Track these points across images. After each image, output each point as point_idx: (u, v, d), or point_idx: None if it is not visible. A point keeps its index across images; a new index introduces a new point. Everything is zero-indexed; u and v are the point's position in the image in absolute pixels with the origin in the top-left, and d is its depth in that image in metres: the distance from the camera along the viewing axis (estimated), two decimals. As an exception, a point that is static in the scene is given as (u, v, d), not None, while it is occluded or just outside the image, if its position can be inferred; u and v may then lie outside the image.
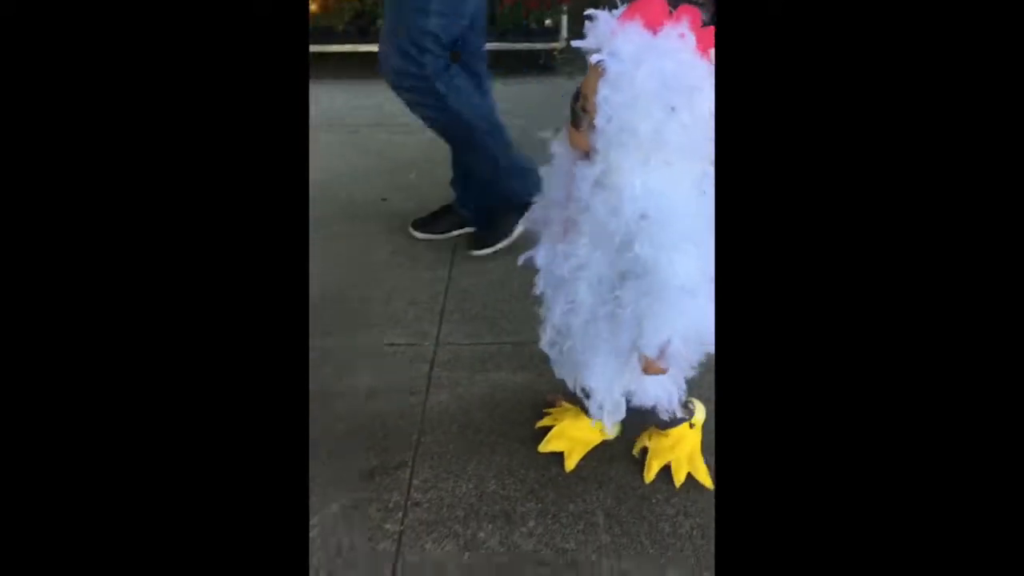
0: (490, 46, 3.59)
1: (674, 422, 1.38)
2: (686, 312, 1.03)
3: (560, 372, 1.33)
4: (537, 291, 1.28)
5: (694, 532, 1.31)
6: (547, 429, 1.49)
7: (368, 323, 1.88)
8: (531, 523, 1.33)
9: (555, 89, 3.38)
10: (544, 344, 1.31)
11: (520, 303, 1.89)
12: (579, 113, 1.07)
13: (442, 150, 2.24)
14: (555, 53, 3.64)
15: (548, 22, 3.56)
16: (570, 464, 1.43)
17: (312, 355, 1.39)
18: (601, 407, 1.29)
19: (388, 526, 1.34)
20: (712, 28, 1.02)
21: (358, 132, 3.23)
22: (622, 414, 1.31)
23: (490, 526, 1.33)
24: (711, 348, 1.07)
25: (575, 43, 1.09)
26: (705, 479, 1.38)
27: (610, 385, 1.25)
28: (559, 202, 1.19)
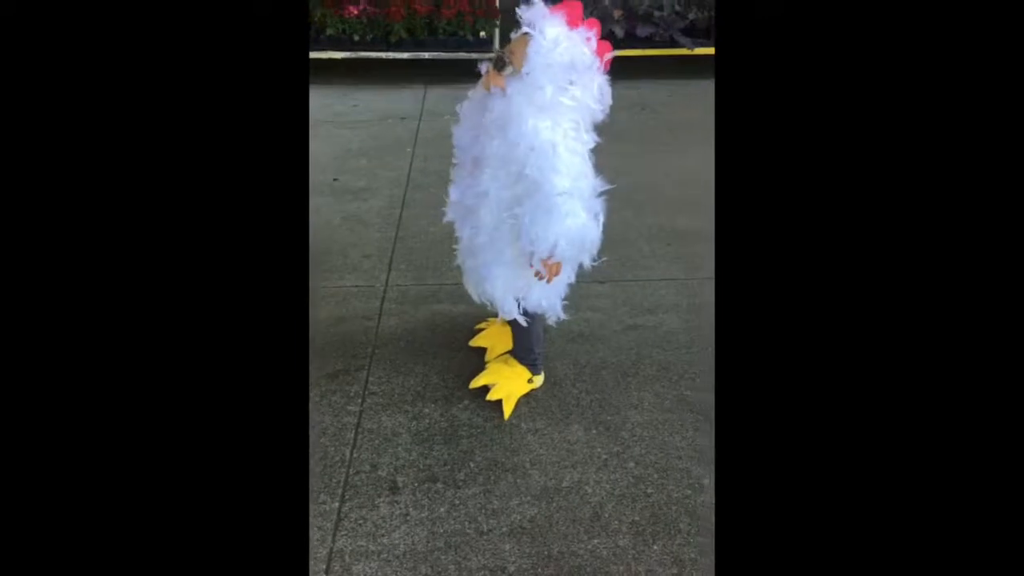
0: (431, 55, 3.97)
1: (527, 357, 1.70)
2: (567, 217, 1.39)
3: (467, 285, 1.67)
4: (445, 219, 1.61)
5: (592, 402, 1.68)
6: (478, 350, 1.83)
7: (330, 271, 2.20)
8: (466, 402, 1.68)
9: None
10: (458, 262, 1.65)
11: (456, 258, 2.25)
12: (506, 60, 1.44)
13: (381, 139, 2.59)
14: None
15: (483, 34, 3.96)
16: (490, 356, 1.78)
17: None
18: (501, 308, 1.63)
19: (350, 407, 1.66)
20: (605, 44, 1.43)
21: (315, 128, 3.54)
22: (516, 315, 1.62)
23: (433, 405, 1.67)
24: (592, 254, 1.45)
25: (519, 10, 1.45)
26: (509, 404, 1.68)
27: (505, 292, 1.58)
28: (467, 145, 1.54)
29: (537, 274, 1.47)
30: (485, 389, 1.69)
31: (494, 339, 1.83)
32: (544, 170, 1.38)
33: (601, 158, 1.43)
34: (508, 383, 1.68)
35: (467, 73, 4.14)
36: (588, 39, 1.40)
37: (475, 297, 1.67)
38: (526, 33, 1.42)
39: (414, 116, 3.52)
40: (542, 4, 1.45)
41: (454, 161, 1.63)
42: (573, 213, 1.38)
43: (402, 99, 3.72)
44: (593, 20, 1.44)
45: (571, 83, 1.40)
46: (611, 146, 1.51)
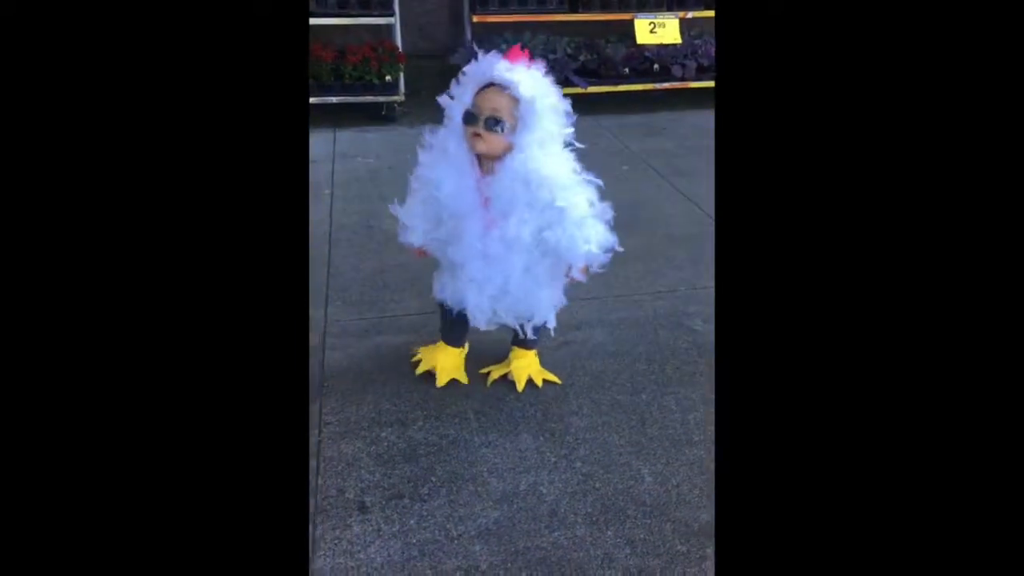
0: (338, 99, 4.07)
1: (534, 343, 1.92)
2: (593, 227, 1.64)
3: (487, 320, 1.79)
4: (472, 276, 1.72)
5: (536, 412, 1.82)
6: (425, 375, 1.95)
7: (264, 312, 2.25)
8: (420, 423, 1.78)
9: (398, 135, 3.91)
10: (480, 310, 1.75)
11: (390, 291, 2.35)
12: (500, 122, 1.59)
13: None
14: (396, 104, 4.17)
15: (388, 78, 4.10)
16: (441, 380, 1.90)
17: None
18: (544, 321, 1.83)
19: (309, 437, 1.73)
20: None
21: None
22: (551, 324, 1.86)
23: (389, 429, 1.77)
24: (609, 253, 1.68)
25: (467, 69, 1.64)
26: (549, 376, 1.94)
27: (550, 308, 1.81)
28: (473, 208, 1.67)
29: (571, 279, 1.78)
30: (439, 406, 1.81)
31: (431, 354, 1.97)
32: (569, 199, 1.62)
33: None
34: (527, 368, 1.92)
35: (374, 117, 4.29)
36: (543, 72, 1.64)
37: (490, 325, 1.81)
38: (496, 86, 1.60)
39: (326, 159, 3.60)
40: (494, 56, 1.62)
41: (418, 204, 1.76)
42: (595, 223, 1.65)
43: (312, 143, 3.79)
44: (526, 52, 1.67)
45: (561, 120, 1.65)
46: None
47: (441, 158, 1.68)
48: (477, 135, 1.62)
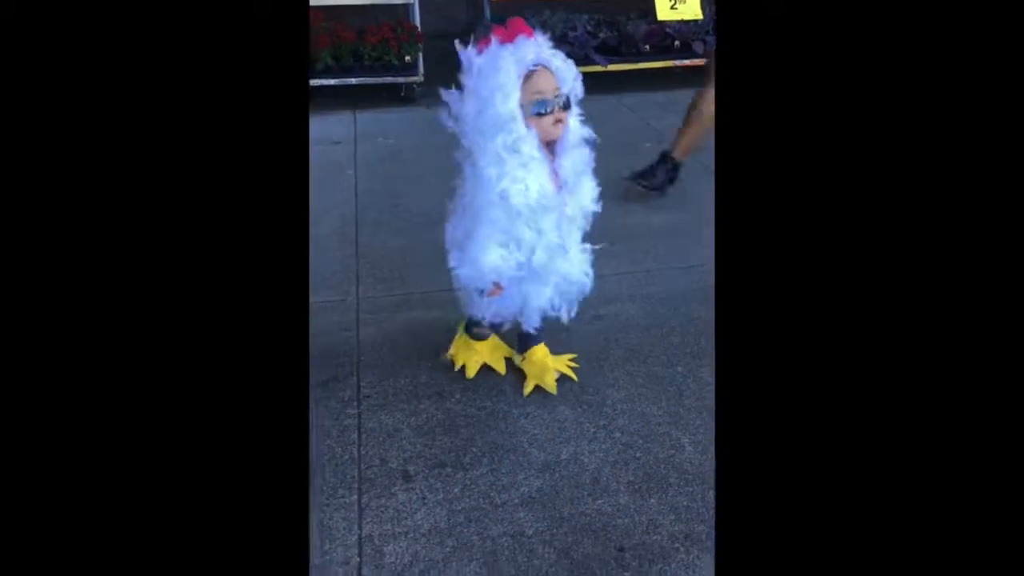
0: (358, 81, 4.06)
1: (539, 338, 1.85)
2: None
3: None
4: (541, 277, 1.62)
5: (573, 386, 1.83)
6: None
7: (297, 290, 2.26)
8: (457, 395, 1.79)
9: (418, 116, 3.90)
10: (543, 308, 1.67)
11: (419, 267, 2.36)
12: (557, 105, 1.51)
13: (320, 165, 2.67)
14: (415, 85, 4.16)
15: (408, 58, 4.09)
16: (470, 374, 1.85)
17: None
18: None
19: (348, 411, 1.75)
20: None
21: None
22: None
23: (427, 401, 1.78)
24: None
25: (493, 58, 1.51)
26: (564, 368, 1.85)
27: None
28: (556, 201, 1.57)
29: None
30: (475, 379, 1.83)
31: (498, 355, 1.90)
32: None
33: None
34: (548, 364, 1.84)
35: (394, 98, 4.29)
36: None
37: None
38: (541, 66, 1.53)
39: (348, 141, 3.60)
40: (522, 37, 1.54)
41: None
42: None
43: (333, 124, 3.79)
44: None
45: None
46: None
47: (510, 162, 1.49)
48: (559, 120, 1.53)
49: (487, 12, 4.27)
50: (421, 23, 4.16)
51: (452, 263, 1.63)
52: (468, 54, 1.55)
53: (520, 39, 1.51)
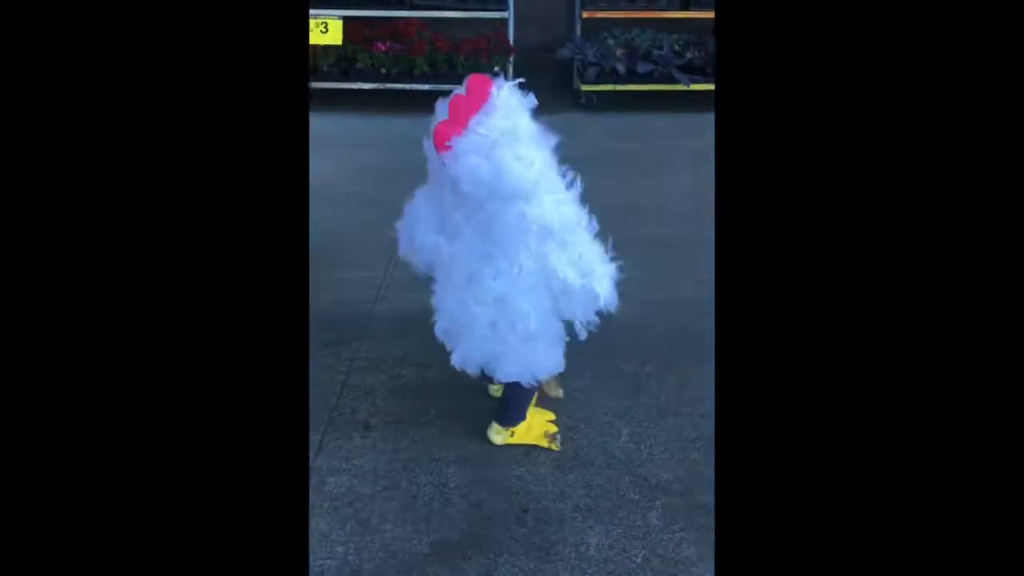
0: (450, 87, 4.37)
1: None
2: None
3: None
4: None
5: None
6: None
7: (335, 265, 2.56)
8: (438, 368, 2.00)
9: (502, 122, 4.16)
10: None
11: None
12: None
13: (398, 160, 2.96)
14: (504, 94, 4.44)
15: (497, 68, 4.36)
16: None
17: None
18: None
19: (340, 368, 2.01)
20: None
21: (336, 149, 3.97)
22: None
23: (410, 368, 2.01)
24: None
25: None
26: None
27: None
28: None
29: None
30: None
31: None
32: None
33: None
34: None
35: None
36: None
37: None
38: None
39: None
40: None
41: None
42: None
43: (421, 125, 4.10)
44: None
45: None
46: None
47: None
48: None
49: (577, 28, 4.46)
50: (516, 36, 4.42)
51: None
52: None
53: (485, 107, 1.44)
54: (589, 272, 1.51)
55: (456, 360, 1.62)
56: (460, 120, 1.45)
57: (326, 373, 1.98)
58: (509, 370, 1.57)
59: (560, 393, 1.88)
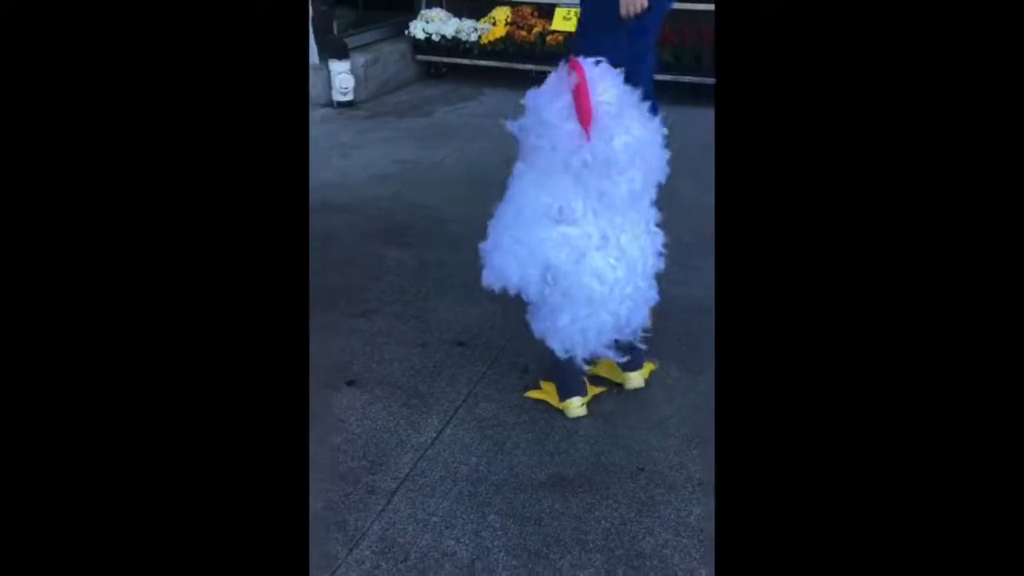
0: (536, 67, 4.36)
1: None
2: None
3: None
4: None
5: (521, 353, 2.06)
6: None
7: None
8: (439, 332, 2.18)
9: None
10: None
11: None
12: None
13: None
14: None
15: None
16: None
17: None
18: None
19: (345, 317, 2.26)
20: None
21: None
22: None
23: (413, 322, 2.22)
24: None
25: None
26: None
27: None
28: None
29: None
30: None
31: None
32: None
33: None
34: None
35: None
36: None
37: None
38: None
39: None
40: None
41: None
42: None
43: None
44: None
45: None
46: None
47: None
48: None
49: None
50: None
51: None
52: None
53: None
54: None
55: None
56: (584, 102, 1.46)
57: (327, 316, 2.21)
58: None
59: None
